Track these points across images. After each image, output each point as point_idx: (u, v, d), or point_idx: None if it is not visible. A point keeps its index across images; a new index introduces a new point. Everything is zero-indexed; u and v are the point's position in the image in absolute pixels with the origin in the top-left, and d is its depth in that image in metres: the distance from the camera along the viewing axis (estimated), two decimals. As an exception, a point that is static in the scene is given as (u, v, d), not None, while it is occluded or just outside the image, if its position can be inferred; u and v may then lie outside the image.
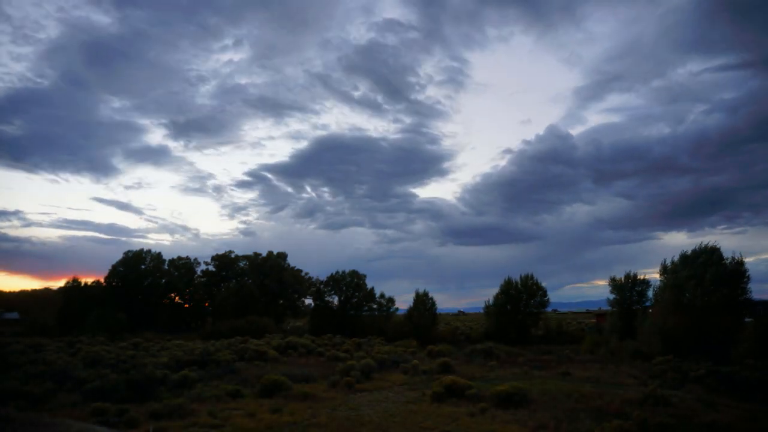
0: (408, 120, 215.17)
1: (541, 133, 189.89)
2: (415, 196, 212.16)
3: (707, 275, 26.00)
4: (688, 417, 11.61)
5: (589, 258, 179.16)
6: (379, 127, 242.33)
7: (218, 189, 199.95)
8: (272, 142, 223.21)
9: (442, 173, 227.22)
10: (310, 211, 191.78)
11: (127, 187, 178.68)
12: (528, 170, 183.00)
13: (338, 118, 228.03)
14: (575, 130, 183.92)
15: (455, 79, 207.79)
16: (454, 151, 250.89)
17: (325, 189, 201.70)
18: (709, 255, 27.23)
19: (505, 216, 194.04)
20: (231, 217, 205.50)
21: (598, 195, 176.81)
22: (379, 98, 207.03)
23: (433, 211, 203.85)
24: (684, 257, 28.57)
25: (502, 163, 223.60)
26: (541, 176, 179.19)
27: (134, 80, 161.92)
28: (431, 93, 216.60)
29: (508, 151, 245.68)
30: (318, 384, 16.84)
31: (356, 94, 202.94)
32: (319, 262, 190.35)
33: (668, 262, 29.69)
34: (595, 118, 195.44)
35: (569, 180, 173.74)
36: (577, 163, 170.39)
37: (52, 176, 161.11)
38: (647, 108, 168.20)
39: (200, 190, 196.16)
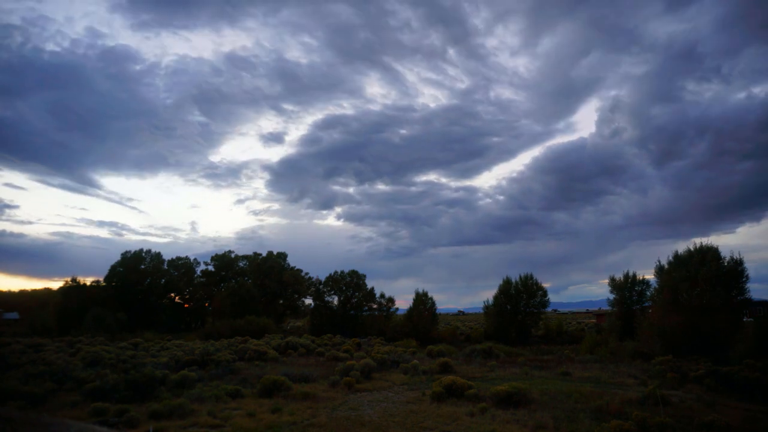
0: (463, 82, 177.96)
1: (609, 107, 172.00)
2: (447, 186, 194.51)
3: (700, 275, 25.95)
4: (688, 417, 11.61)
5: (615, 257, 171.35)
6: (423, 93, 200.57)
7: (228, 177, 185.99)
8: (290, 121, 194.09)
9: (490, 155, 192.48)
10: (327, 202, 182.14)
11: (126, 181, 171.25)
12: (584, 153, 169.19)
13: (372, 81, 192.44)
14: (654, 106, 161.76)
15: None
16: (509, 126, 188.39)
17: (347, 177, 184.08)
18: (702, 255, 27.17)
19: (546, 209, 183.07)
20: (236, 205, 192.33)
21: (647, 183, 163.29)
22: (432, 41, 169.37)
23: (467, 202, 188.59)
24: (677, 257, 28.51)
25: (558, 142, 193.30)
26: (597, 160, 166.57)
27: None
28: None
29: (569, 128, 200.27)
30: (318, 384, 16.83)
31: (403, 38, 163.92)
32: (332, 259, 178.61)
33: (664, 262, 29.65)
34: (675, 94, 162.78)
35: (624, 164, 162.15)
36: (638, 144, 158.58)
37: (45, 170, 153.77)
38: (721, 84, 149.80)
39: (207, 180, 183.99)
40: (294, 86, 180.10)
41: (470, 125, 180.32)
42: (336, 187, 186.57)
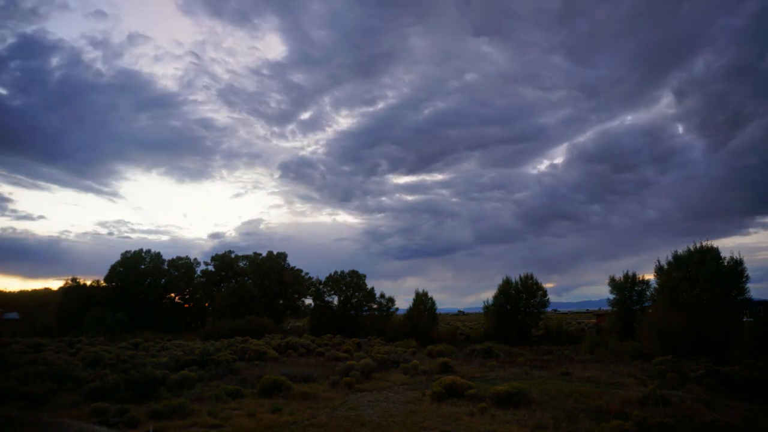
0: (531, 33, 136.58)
1: (691, 77, 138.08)
2: (482, 174, 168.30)
3: (700, 275, 25.94)
4: (688, 417, 11.61)
5: (637, 258, 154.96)
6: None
7: (231, 168, 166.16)
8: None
9: (547, 135, 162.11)
10: (341, 195, 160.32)
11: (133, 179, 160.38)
12: (643, 137, 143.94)
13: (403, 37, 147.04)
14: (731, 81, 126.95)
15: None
16: (574, 98, 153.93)
17: (365, 167, 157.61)
18: (702, 255, 27.19)
19: (585, 202, 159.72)
20: (241, 199, 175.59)
21: (694, 171, 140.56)
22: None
23: (504, 190, 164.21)
24: (677, 257, 28.50)
25: (613, 124, 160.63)
26: (653, 144, 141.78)
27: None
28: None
29: (647, 103, 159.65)
30: (318, 384, 16.83)
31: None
32: (343, 256, 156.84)
33: (663, 263, 29.62)
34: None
35: (677, 148, 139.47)
36: (701, 124, 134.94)
37: (48, 170, 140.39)
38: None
39: (207, 172, 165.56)
40: (305, 50, 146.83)
41: (525, 97, 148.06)
42: (354, 178, 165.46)
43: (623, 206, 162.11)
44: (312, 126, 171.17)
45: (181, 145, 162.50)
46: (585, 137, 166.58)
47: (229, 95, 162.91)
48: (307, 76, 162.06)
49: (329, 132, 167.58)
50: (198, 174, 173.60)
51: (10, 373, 16.72)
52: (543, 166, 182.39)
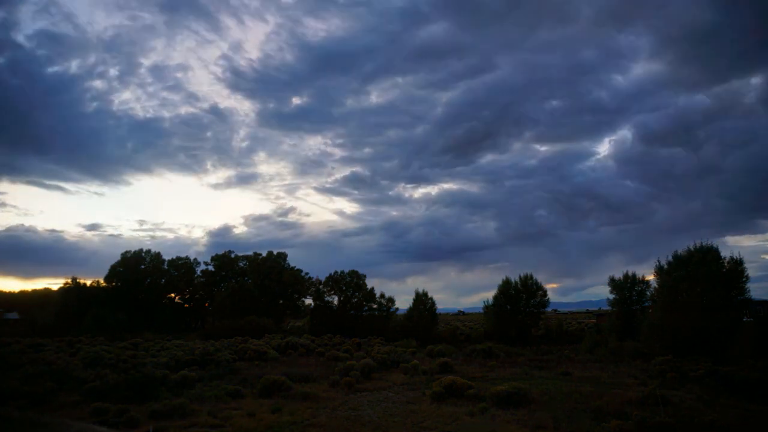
0: None
1: None
2: (533, 155, 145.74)
3: (700, 275, 25.91)
4: (688, 417, 11.60)
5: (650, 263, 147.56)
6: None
7: (233, 161, 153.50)
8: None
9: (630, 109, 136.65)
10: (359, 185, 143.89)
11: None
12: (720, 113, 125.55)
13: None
14: None
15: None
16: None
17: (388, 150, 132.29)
18: (703, 255, 27.16)
19: (634, 190, 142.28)
20: (245, 194, 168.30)
21: (759, 147, 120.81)
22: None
23: (554, 173, 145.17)
24: (677, 257, 28.46)
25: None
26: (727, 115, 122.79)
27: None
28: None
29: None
30: (318, 384, 16.84)
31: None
32: (353, 254, 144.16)
33: (663, 263, 29.55)
34: None
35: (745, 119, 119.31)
36: None
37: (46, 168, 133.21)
38: None
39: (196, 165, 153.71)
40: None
41: (613, 49, 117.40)
42: (375, 166, 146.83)
43: (672, 196, 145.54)
44: (328, 102, 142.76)
45: (177, 133, 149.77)
46: (662, 110, 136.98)
47: (233, 60, 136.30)
48: (322, 32, 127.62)
49: (349, 108, 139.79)
50: (195, 166, 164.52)
51: (10, 373, 16.72)
52: (603, 146, 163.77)
